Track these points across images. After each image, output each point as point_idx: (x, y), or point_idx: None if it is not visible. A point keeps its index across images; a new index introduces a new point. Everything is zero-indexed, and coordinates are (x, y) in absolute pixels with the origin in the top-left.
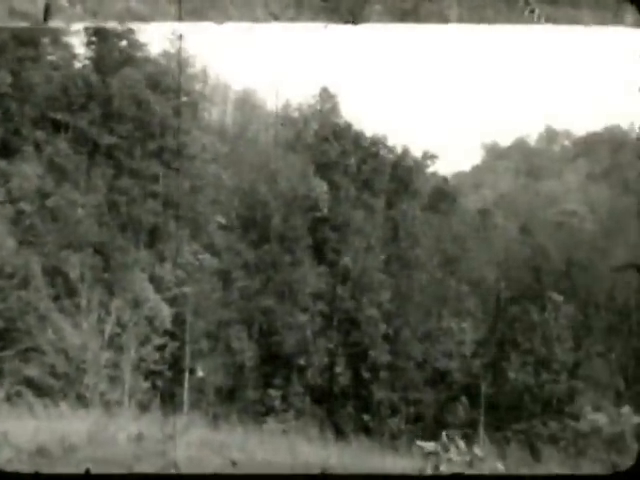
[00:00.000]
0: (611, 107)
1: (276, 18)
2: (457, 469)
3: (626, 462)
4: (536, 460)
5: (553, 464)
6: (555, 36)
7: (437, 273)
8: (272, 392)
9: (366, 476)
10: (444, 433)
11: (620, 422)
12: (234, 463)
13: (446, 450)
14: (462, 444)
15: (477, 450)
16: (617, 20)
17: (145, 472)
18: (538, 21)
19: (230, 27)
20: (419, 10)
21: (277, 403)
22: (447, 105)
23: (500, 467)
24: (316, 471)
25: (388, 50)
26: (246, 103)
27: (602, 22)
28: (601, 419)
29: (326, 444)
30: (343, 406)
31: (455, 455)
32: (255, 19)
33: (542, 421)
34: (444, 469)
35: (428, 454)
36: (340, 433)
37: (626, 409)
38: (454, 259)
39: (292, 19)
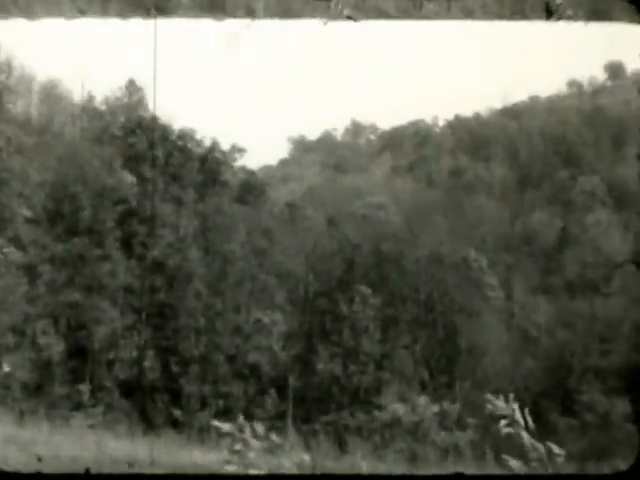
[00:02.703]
0: (416, 101)
1: (82, 12)
2: (255, 454)
3: (426, 451)
4: (343, 451)
5: (359, 455)
6: (361, 29)
7: (247, 266)
8: (80, 387)
9: (364, 476)
10: (241, 416)
11: (418, 412)
12: (39, 459)
13: (241, 431)
14: (261, 428)
15: (274, 437)
16: (416, 10)
17: (146, 472)
18: (341, 15)
19: (36, 20)
20: (225, 3)
21: (85, 398)
22: (254, 98)
23: (306, 458)
24: (123, 466)
25: (195, 44)
26: (51, 94)
27: (405, 14)
28: (400, 409)
29: (134, 438)
30: (152, 400)
31: (251, 438)
32: (61, 13)
33: (350, 412)
34: (239, 448)
35: (224, 435)
36: (149, 427)
37: (423, 399)
38: (263, 252)
39: (98, 13)
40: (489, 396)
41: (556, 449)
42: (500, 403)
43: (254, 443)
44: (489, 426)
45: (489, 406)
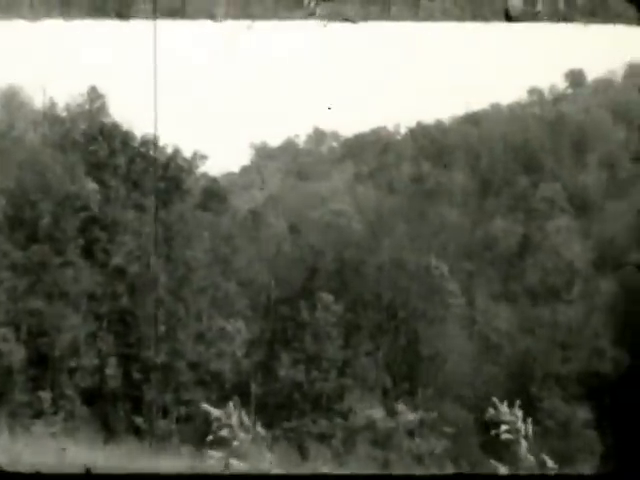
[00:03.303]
0: (379, 108)
1: (41, 19)
2: (240, 443)
3: (391, 457)
4: (303, 458)
5: (320, 461)
6: (322, 33)
7: (209, 273)
8: (41, 394)
9: (362, 476)
10: (231, 402)
11: (394, 419)
12: None
13: (228, 417)
14: (246, 419)
15: (260, 429)
16: (384, 14)
17: (146, 472)
18: (310, 17)
19: None
20: (186, 7)
21: (46, 406)
22: (216, 105)
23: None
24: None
25: (157, 49)
26: (12, 101)
27: (368, 16)
28: (375, 414)
29: (94, 446)
30: (114, 408)
31: (237, 424)
32: (22, 18)
33: (312, 419)
34: (224, 434)
35: (213, 420)
36: (110, 435)
37: (401, 406)
38: (225, 259)
39: (58, 18)
40: (494, 399)
41: (550, 462)
42: (504, 408)
43: (240, 433)
44: (464, 435)
45: (491, 410)
